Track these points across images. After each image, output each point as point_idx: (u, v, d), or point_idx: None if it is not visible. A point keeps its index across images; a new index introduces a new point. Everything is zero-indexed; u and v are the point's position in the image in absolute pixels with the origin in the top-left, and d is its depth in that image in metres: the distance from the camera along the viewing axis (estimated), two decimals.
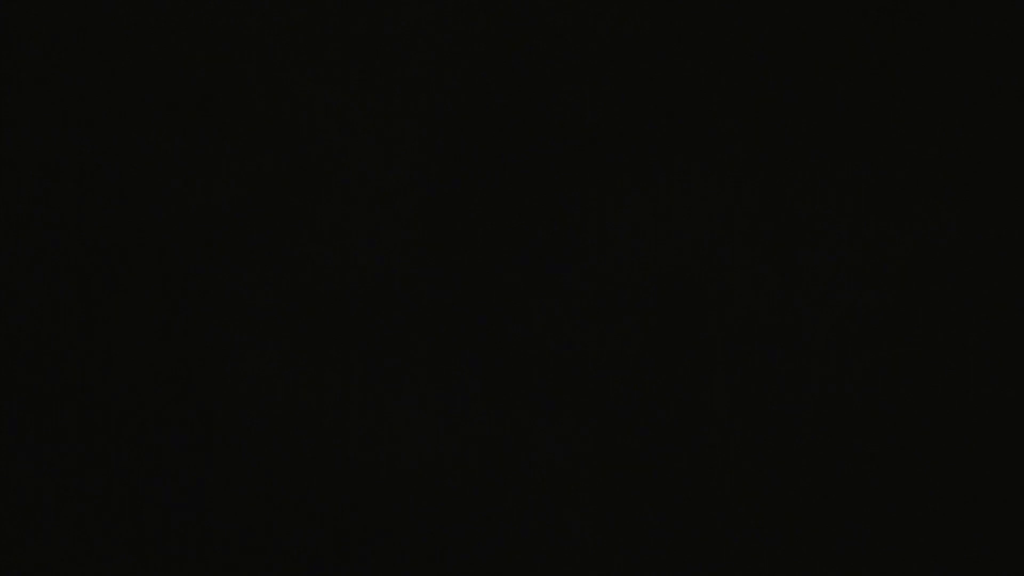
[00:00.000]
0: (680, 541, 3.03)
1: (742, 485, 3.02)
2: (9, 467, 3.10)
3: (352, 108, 3.11)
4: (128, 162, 3.11)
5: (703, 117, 3.08)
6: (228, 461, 3.07)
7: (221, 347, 3.09)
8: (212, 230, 3.11)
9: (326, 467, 3.06)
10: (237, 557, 3.07)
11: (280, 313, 3.10)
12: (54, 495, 3.09)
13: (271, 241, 3.09)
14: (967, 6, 3.02)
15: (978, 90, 3.01)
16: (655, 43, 3.09)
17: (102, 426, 3.07)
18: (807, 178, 3.04)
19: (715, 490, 3.01)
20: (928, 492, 2.96)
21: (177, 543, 3.07)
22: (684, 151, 3.08)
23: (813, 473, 2.98)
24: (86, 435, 3.11)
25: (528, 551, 3.06)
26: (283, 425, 3.05)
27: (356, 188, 3.11)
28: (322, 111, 3.12)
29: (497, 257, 3.11)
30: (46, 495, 3.08)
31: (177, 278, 3.09)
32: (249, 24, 3.18)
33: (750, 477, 3.03)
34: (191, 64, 3.14)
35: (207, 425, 3.07)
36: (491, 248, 3.13)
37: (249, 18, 3.18)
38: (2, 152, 3.12)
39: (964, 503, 2.98)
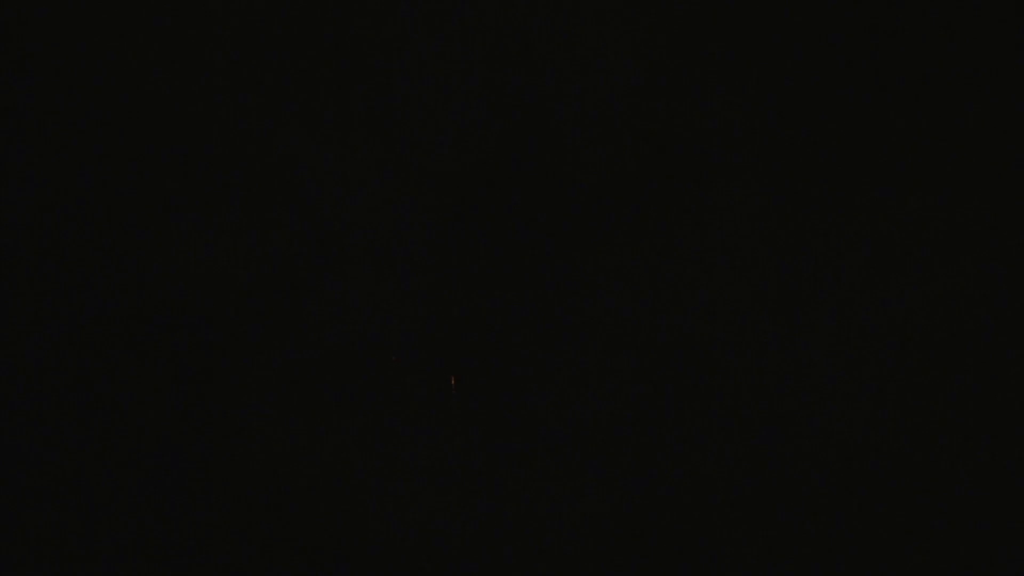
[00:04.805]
0: None
1: (749, 528, 3.02)
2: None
3: (357, 178, 3.16)
4: (139, 234, 3.18)
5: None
6: (234, 524, 3.12)
7: (230, 415, 3.15)
8: (225, 303, 3.17)
9: (328, 532, 3.10)
10: None
11: (286, 383, 3.16)
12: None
13: (278, 312, 3.15)
14: (967, 6, 3.02)
15: (977, 91, 3.00)
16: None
17: (116, 494, 3.12)
18: (808, 181, 3.04)
19: (722, 533, 3.01)
20: (935, 496, 2.94)
21: None
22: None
23: (813, 479, 2.97)
24: (101, 510, 3.16)
25: None
26: (287, 484, 3.09)
27: (361, 258, 3.17)
28: (328, 180, 3.17)
29: (498, 324, 3.15)
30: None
31: (187, 348, 3.15)
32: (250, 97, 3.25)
33: (756, 512, 3.03)
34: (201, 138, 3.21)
35: (216, 490, 3.13)
36: (493, 315, 3.17)
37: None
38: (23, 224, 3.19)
39: (966, 504, 2.95)
